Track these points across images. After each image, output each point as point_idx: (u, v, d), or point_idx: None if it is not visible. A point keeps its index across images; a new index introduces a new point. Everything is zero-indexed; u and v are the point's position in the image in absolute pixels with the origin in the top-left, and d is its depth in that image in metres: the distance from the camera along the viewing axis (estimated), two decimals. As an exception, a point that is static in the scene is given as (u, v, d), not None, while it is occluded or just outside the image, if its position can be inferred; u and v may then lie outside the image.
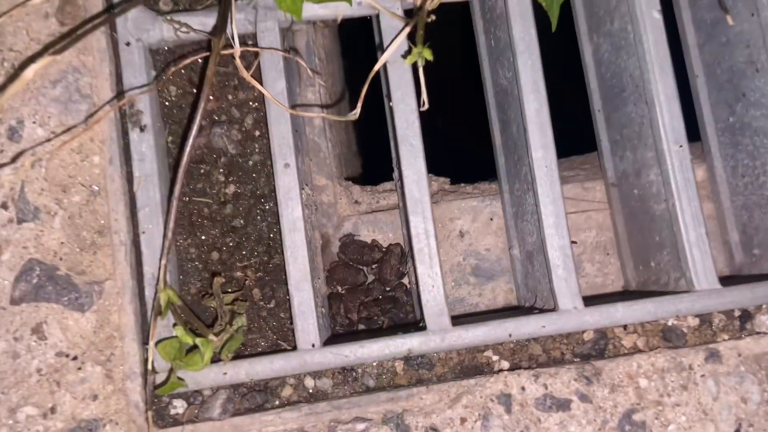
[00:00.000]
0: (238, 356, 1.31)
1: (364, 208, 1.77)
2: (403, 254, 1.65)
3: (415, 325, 1.45)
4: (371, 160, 2.43)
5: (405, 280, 1.67)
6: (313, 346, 1.30)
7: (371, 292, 1.67)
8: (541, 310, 1.38)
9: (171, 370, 1.30)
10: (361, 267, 1.66)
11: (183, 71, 1.59)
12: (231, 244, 1.42)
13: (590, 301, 1.31)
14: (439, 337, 1.31)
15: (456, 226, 1.74)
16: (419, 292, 1.33)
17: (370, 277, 1.67)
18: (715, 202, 1.46)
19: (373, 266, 1.67)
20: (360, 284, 1.67)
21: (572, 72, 1.59)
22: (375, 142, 2.30)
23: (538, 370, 1.28)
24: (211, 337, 1.28)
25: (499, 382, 1.28)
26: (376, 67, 1.31)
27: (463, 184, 1.98)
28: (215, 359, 1.24)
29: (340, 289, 1.66)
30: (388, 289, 1.66)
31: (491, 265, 1.83)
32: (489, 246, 1.74)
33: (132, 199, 1.45)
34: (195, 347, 1.30)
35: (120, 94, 1.43)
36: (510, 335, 1.29)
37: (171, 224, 1.33)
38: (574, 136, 1.73)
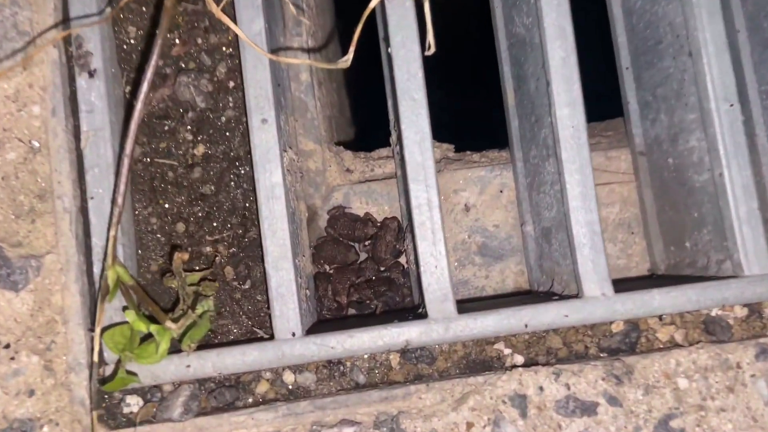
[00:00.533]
0: (205, 346, 1.19)
1: (357, 177, 1.64)
2: (400, 229, 1.54)
3: (414, 311, 1.35)
4: (365, 126, 2.19)
5: (402, 260, 1.57)
6: (294, 335, 1.18)
7: (363, 273, 1.56)
8: (561, 297, 1.27)
9: (119, 363, 1.07)
10: (352, 243, 1.55)
11: (144, 9, 1.34)
12: (199, 215, 1.30)
13: (616, 286, 1.19)
14: (442, 326, 1.18)
15: (461, 198, 1.60)
16: (419, 273, 1.21)
17: (363, 255, 1.57)
18: (756, 175, 1.23)
19: (366, 243, 1.56)
20: (351, 263, 1.55)
21: (591, 27, 1.34)
22: (369, 106, 2.10)
23: (558, 367, 1.17)
24: (169, 323, 1.06)
25: (513, 381, 1.17)
26: (372, 4, 1.06)
27: (468, 152, 1.78)
28: (177, 350, 1.14)
29: (327, 268, 1.55)
30: (382, 269, 1.55)
31: (500, 244, 1.66)
32: (498, 222, 1.63)
33: (79, 158, 1.24)
34: (150, 336, 1.08)
35: (65, 29, 1.19)
36: (526, 325, 1.20)
37: (122, 187, 1.10)
38: (595, 100, 1.57)
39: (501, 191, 1.69)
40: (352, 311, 1.54)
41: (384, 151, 1.75)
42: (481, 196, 1.69)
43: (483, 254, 1.67)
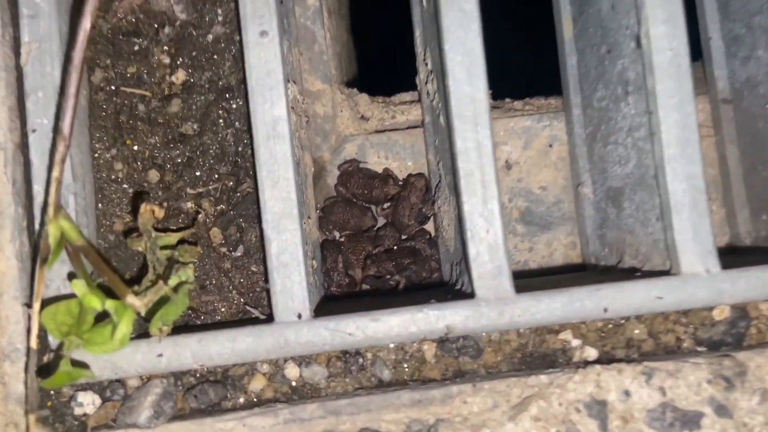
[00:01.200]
0: (182, 329, 0.99)
1: (374, 126, 1.45)
2: (428, 190, 1.36)
3: (449, 290, 1.19)
4: (377, 71, 1.89)
5: (429, 226, 1.40)
6: (300, 316, 0.97)
7: (381, 241, 1.38)
8: (646, 273, 1.06)
9: (60, 350, 0.77)
10: (368, 205, 1.39)
11: None
12: (179, 160, 1.10)
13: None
14: (495, 309, 0.97)
15: (500, 154, 1.39)
16: (465, 240, 1.00)
17: (381, 221, 1.40)
18: None
19: (385, 205, 1.39)
20: (366, 229, 1.38)
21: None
22: (381, 51, 1.78)
23: (649, 365, 0.95)
24: (131, 298, 0.76)
25: (589, 382, 0.95)
26: None
27: (508, 100, 1.52)
28: (146, 333, 0.94)
29: (338, 235, 1.38)
30: (404, 237, 1.37)
31: (547, 210, 1.42)
32: (545, 182, 1.42)
33: (19, 78, 1.00)
34: (107, 315, 0.78)
35: None
36: (605, 310, 0.97)
37: (69, 112, 0.79)
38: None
39: (550, 145, 1.44)
40: (366, 288, 1.38)
41: (407, 95, 1.50)
42: (525, 152, 1.44)
43: (526, 222, 1.44)
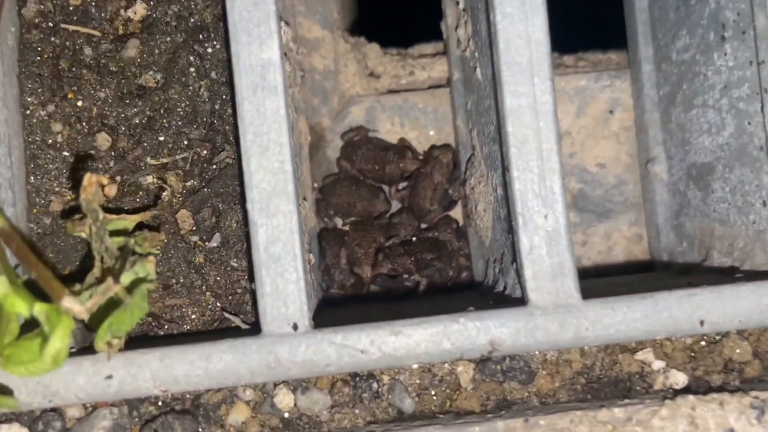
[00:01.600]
0: (140, 343, 0.93)
1: (387, 85, 1.44)
2: (455, 165, 1.34)
3: (480, 291, 1.18)
4: (392, 14, 1.82)
5: (456, 212, 1.38)
6: (296, 327, 0.90)
7: (397, 231, 1.35)
8: (746, 275, 0.99)
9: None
10: (379, 185, 1.38)
11: None
12: (136, 121, 1.04)
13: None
14: (555, 320, 0.89)
15: None
16: (514, 228, 0.93)
17: (395, 205, 1.38)
18: None
19: (402, 185, 1.37)
20: (377, 215, 1.36)
21: None
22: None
23: (758, 396, 0.86)
24: (68, 301, 0.68)
25: (680, 418, 0.85)
26: None
27: (556, 54, 1.45)
28: (88, 348, 0.89)
29: (340, 222, 1.37)
30: (425, 226, 1.36)
31: (606, 194, 1.36)
32: (604, 158, 1.36)
33: None
34: (36, 323, 0.77)
35: None
36: (702, 322, 0.88)
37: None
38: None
39: (611, 111, 1.37)
40: (374, 290, 1.36)
41: (428, 47, 1.47)
42: (578, 119, 1.37)
43: (579, 208, 1.38)
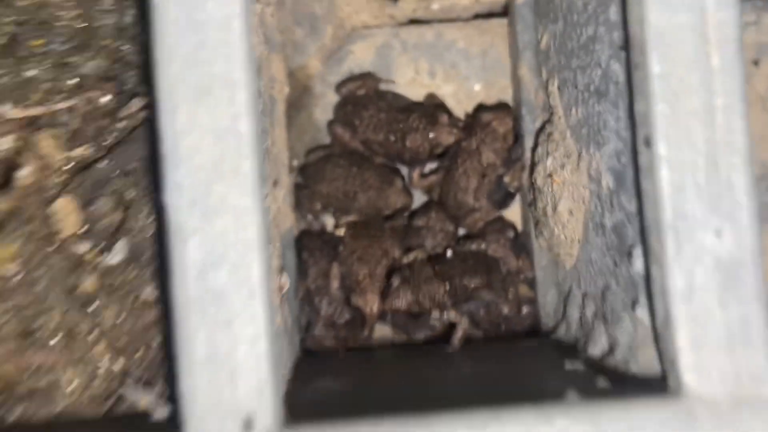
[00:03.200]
0: None
1: (410, 11, 1.32)
2: (516, 138, 1.22)
3: (551, 343, 1.07)
4: None
5: (513, 212, 1.29)
6: (250, 428, 0.71)
7: (420, 239, 1.24)
8: None
9: None
10: (395, 167, 1.29)
11: None
12: None
13: None
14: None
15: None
16: (652, 251, 0.75)
17: (419, 198, 1.30)
18: None
19: (430, 167, 1.29)
20: (391, 214, 1.26)
21: None
22: None
23: None
24: None
25: None
26: None
27: None
28: None
29: (332, 223, 1.29)
30: (465, 233, 1.27)
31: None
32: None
33: None
34: None
35: None
36: None
37: None
38: None
39: (755, 62, 1.19)
40: (382, 334, 1.26)
41: None
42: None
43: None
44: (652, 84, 0.74)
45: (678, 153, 0.73)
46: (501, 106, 1.25)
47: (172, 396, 0.82)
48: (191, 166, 0.71)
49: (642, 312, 0.82)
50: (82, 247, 0.87)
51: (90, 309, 0.86)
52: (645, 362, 0.81)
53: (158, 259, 0.92)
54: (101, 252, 0.88)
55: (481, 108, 1.26)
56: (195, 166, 0.71)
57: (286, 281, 1.05)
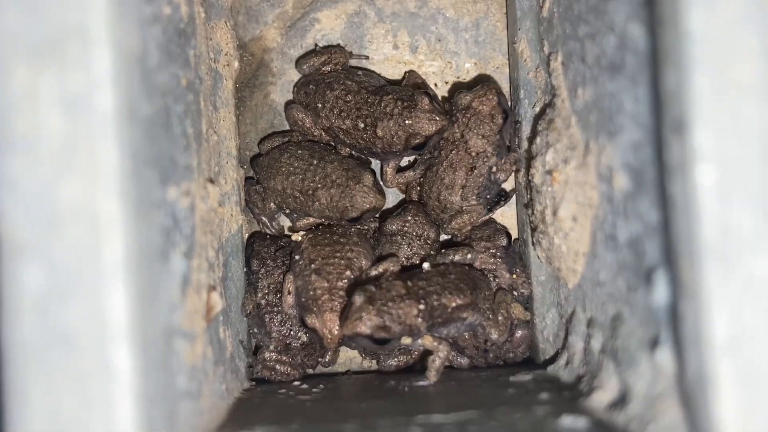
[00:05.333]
0: None
1: None
2: (515, 124, 1.13)
3: (552, 380, 0.98)
4: None
5: (507, 215, 1.20)
6: None
7: (394, 246, 1.13)
8: None
9: None
10: (366, 159, 1.20)
11: None
12: None
13: None
14: None
15: None
16: (680, 282, 0.69)
17: (393, 197, 1.22)
18: None
19: (407, 160, 1.20)
20: (358, 215, 1.12)
21: None
22: None
23: None
24: None
25: None
26: None
27: None
28: None
29: (286, 227, 1.20)
30: (447, 239, 1.19)
31: None
32: None
33: None
34: None
35: None
36: None
37: None
38: None
39: None
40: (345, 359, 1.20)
41: None
42: None
43: None
44: (689, 48, 0.63)
45: (723, 145, 0.61)
46: (479, 82, 1.14)
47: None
48: (30, 155, 0.55)
49: (664, 357, 0.68)
50: None
51: None
52: (669, 425, 0.66)
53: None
54: None
55: (457, 91, 1.13)
56: (36, 156, 0.56)
57: (217, 301, 0.88)
